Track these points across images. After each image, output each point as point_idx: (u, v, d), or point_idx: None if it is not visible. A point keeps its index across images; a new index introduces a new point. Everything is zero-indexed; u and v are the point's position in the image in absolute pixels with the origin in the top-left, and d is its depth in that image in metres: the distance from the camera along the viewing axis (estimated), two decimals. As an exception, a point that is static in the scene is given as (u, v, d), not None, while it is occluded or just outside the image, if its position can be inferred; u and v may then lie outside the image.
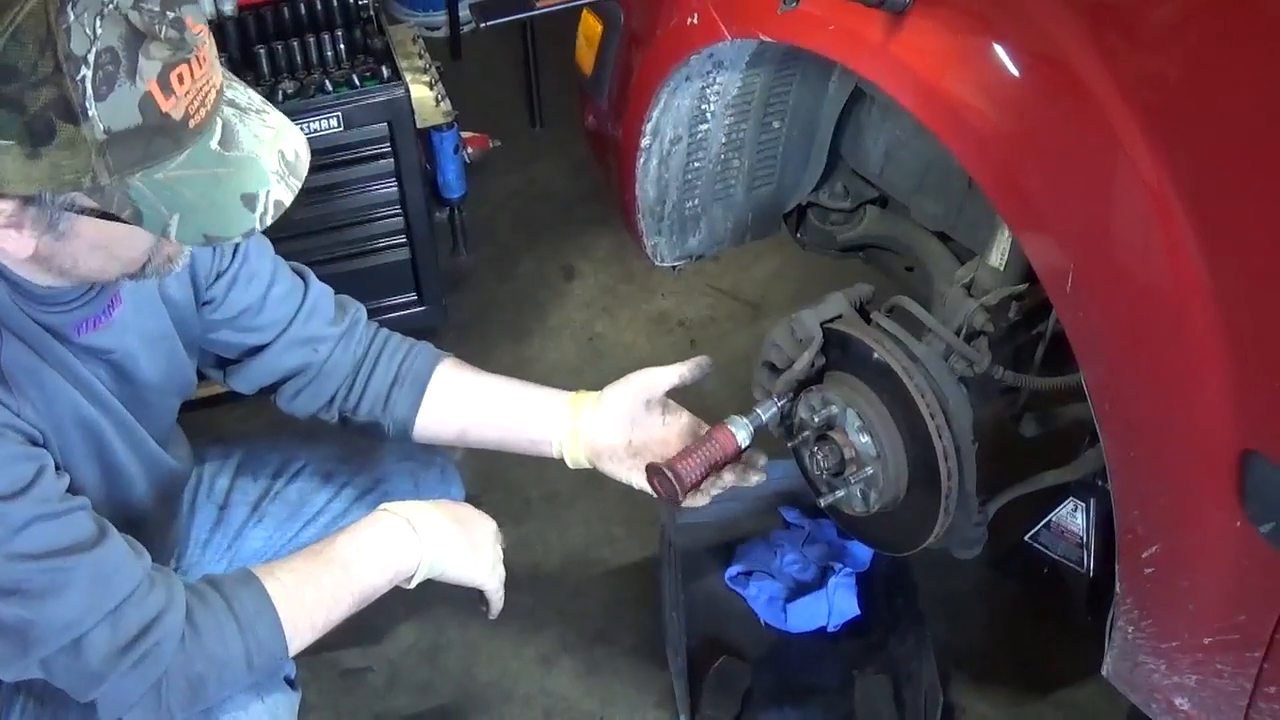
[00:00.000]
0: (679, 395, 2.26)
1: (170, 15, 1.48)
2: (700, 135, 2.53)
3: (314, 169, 3.02)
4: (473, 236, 3.76)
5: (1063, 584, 2.67)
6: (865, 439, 2.16)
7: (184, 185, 1.54)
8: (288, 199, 1.62)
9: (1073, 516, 2.61)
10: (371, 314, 3.05)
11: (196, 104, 1.53)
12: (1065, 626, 2.74)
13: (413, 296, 3.43)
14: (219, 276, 2.06)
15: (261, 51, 3.14)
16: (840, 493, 2.22)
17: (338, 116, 3.06)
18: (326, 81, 3.08)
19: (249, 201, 1.59)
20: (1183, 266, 1.56)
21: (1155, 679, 1.84)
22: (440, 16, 4.92)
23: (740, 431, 2.19)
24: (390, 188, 3.23)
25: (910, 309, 2.19)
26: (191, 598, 1.78)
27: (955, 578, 2.88)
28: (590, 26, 2.65)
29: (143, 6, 1.46)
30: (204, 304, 2.07)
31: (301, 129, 2.94)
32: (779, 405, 2.23)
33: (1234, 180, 1.55)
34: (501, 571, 2.16)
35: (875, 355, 2.10)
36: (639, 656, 2.82)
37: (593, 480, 3.20)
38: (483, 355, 3.55)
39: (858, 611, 2.80)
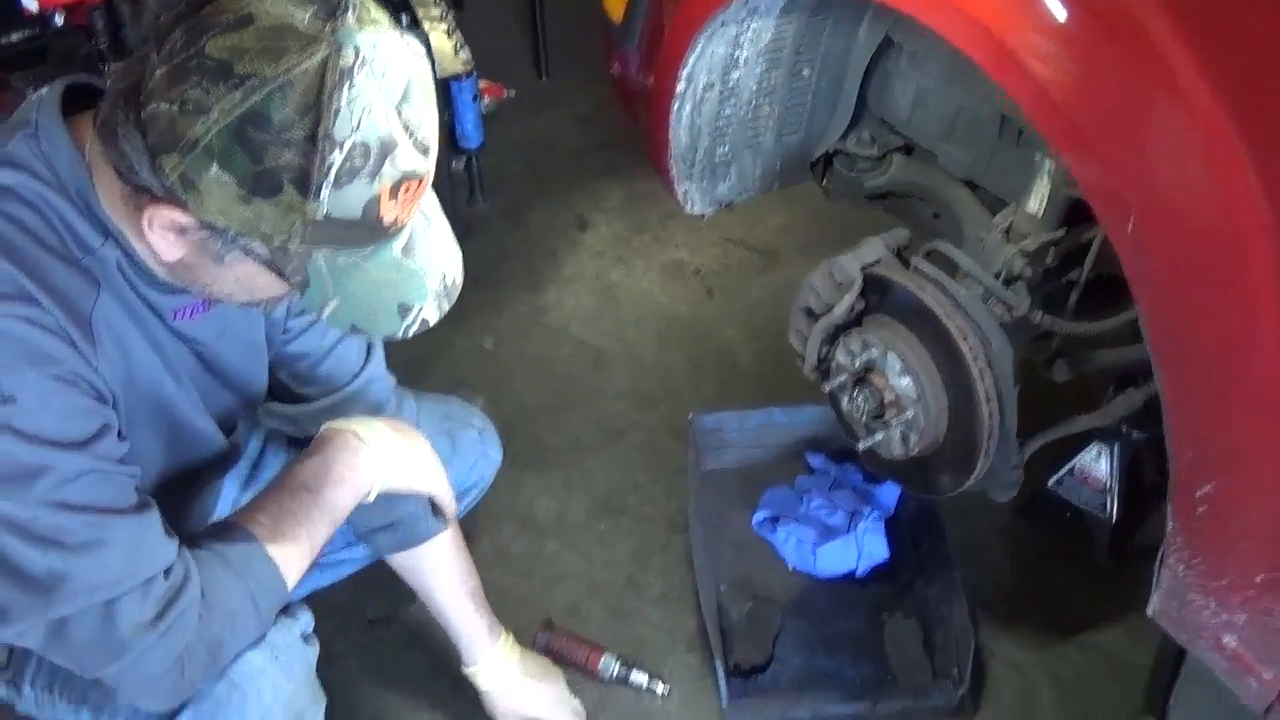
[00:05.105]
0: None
1: (421, 133, 1.50)
2: (732, 82, 2.54)
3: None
4: (486, 186, 3.77)
5: (1085, 529, 2.70)
6: (906, 381, 2.18)
7: (357, 275, 1.56)
8: (434, 319, 1.66)
9: (1097, 462, 2.63)
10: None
11: (406, 214, 1.55)
12: (1089, 571, 2.77)
13: (429, 245, 3.41)
14: (303, 311, 2.05)
15: (278, -1, 3.11)
16: (879, 435, 2.24)
17: (357, 65, 3.04)
18: (345, 30, 3.05)
19: (403, 310, 1.62)
20: (1244, 205, 1.56)
21: (1204, 617, 1.85)
22: (443, -34, 4.90)
23: (607, 668, 2.68)
24: (408, 137, 3.20)
25: (949, 253, 2.21)
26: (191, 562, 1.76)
27: (978, 522, 2.91)
28: (622, -26, 2.65)
29: (403, 107, 1.47)
30: (283, 331, 2.06)
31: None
32: (643, 677, 2.67)
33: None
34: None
35: (917, 298, 2.11)
36: (668, 602, 2.83)
37: (615, 429, 3.24)
38: (499, 304, 3.58)
39: (887, 555, 2.81)
